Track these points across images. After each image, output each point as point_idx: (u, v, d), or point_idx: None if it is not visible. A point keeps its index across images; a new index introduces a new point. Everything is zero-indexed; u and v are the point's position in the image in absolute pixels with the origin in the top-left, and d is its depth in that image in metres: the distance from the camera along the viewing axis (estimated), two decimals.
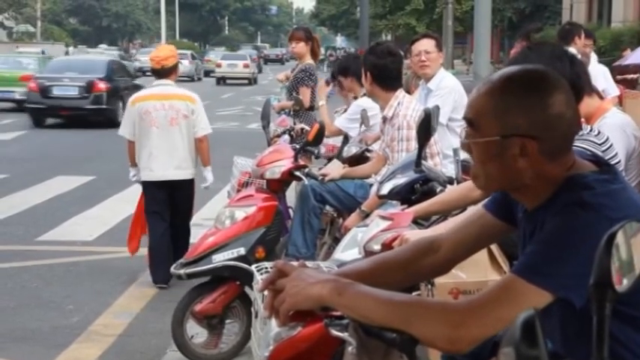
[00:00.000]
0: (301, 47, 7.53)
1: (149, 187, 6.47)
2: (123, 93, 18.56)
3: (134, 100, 6.52)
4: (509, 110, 1.84)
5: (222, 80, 40.54)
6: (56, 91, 18.99)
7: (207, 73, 44.90)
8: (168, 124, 6.35)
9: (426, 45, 5.70)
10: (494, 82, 1.91)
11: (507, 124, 1.84)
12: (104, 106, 19.00)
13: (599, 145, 2.95)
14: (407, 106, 4.77)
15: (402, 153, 4.67)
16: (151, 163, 6.39)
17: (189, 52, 43.89)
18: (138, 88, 14.45)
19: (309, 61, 7.57)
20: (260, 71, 48.14)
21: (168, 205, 6.48)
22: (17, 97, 21.55)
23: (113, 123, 16.62)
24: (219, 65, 41.65)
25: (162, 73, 6.38)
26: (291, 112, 7.62)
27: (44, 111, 19.18)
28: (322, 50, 50.36)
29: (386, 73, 4.81)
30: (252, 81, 40.95)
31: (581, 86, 2.66)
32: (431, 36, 5.89)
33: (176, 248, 6.33)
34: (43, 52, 32.22)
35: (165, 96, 6.38)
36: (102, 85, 19.07)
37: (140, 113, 6.36)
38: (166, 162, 6.37)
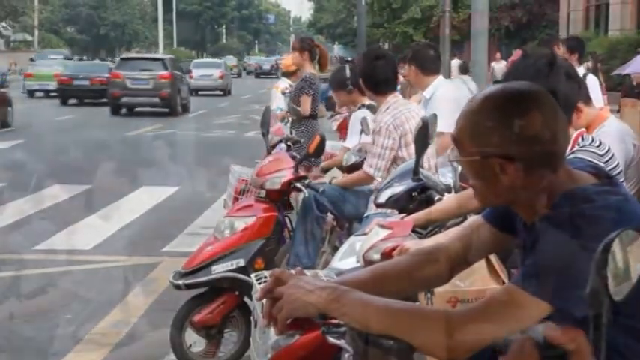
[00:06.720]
0: (295, 57, 7.59)
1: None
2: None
3: (270, 87, 10.40)
4: (484, 132, 1.85)
5: None
6: None
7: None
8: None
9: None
10: (474, 102, 1.92)
11: (483, 144, 1.85)
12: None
13: (601, 156, 2.93)
14: (388, 112, 4.73)
15: (369, 157, 4.71)
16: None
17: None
18: None
19: (309, 70, 7.51)
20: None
21: None
22: None
23: None
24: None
25: (285, 74, 9.95)
26: (287, 122, 7.61)
27: None
28: None
29: (374, 77, 4.80)
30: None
31: (574, 96, 2.65)
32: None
33: None
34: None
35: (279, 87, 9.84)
36: None
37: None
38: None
